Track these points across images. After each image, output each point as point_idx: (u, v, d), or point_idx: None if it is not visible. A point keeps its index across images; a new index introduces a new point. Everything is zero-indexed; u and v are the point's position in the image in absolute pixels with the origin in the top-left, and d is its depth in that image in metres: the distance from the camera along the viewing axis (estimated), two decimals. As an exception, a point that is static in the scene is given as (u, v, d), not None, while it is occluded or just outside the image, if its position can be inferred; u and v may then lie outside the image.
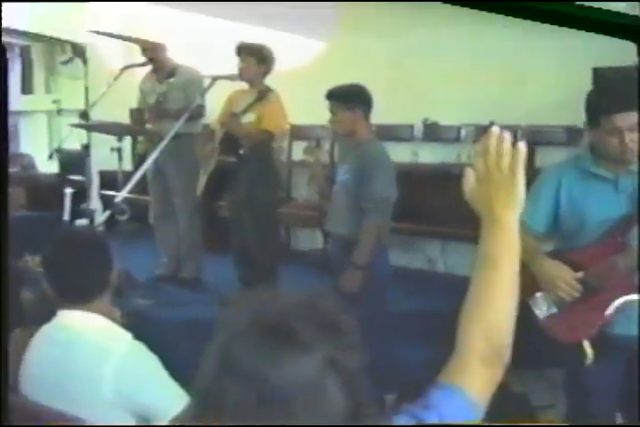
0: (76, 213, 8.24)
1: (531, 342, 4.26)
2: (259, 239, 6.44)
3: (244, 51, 6.44)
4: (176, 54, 7.38)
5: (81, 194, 8.33)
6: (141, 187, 7.25)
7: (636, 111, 3.51)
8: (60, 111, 11.01)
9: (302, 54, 8.88)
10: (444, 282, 7.09)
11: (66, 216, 8.29)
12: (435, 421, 1.67)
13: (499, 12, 3.19)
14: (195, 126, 6.84)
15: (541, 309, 3.80)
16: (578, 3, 2.72)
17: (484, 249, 1.86)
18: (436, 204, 7.40)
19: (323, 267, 6.84)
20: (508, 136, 1.82)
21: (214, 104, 6.96)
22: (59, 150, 8.69)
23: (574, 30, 6.40)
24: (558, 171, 3.89)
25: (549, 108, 7.05)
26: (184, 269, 7.31)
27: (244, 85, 6.66)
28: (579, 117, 6.46)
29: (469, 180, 1.86)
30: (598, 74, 6.29)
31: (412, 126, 8.21)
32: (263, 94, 6.42)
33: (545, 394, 5.43)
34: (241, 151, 6.31)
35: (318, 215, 7.10)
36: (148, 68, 7.40)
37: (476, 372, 1.77)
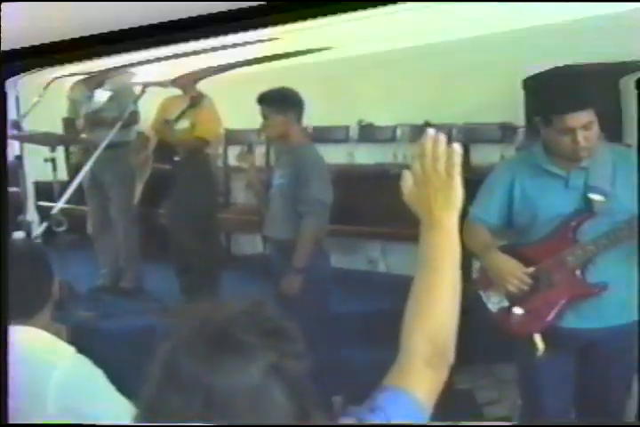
0: (10, 226, 8.13)
1: (480, 338, 4.32)
2: (198, 246, 6.41)
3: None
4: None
5: (17, 206, 8.22)
6: (78, 197, 7.20)
7: (588, 110, 3.57)
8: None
9: (235, 58, 8.84)
10: (386, 282, 7.09)
11: (0, 229, 8.16)
12: (382, 423, 1.67)
13: None
14: (129, 134, 6.81)
15: (493, 302, 3.85)
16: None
17: (424, 251, 1.86)
18: (375, 204, 7.40)
19: (264, 272, 6.80)
20: (443, 138, 1.81)
21: (148, 111, 6.92)
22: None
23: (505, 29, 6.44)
24: (512, 167, 3.97)
25: (483, 106, 7.09)
26: (124, 278, 7.25)
27: (177, 92, 6.62)
28: (512, 115, 6.61)
29: (407, 182, 1.86)
30: (548, 74, 6.33)
31: (347, 127, 8.21)
32: (196, 101, 6.40)
33: (492, 390, 5.47)
34: (176, 158, 6.27)
35: (258, 220, 7.07)
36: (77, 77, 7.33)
37: (421, 373, 1.77)
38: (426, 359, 1.78)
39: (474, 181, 3.89)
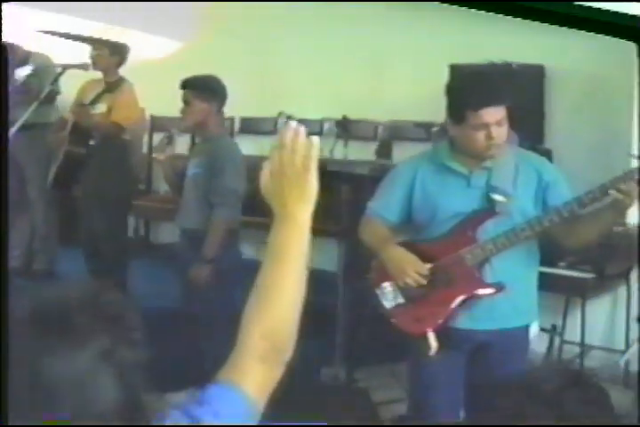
0: None
1: (379, 337, 4.28)
2: (107, 232, 6.33)
3: (97, 41, 6.31)
4: (29, 41, 7.22)
5: None
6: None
7: (502, 106, 3.58)
8: None
9: (165, 46, 8.78)
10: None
11: None
12: (208, 416, 1.63)
13: (497, 12, 3.21)
14: (47, 115, 6.71)
15: (388, 298, 3.82)
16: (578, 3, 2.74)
17: (272, 243, 1.82)
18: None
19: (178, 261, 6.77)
20: (302, 130, 1.78)
21: (70, 94, 6.82)
22: None
23: (431, 27, 6.50)
24: (414, 163, 3.94)
25: (408, 103, 7.08)
26: (37, 261, 7.16)
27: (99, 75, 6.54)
28: (437, 113, 6.60)
29: (264, 173, 1.82)
30: (455, 70, 6.33)
31: (275, 120, 8.15)
32: (114, 85, 6.32)
33: (392, 389, 5.47)
34: (91, 142, 6.17)
35: (177, 208, 7.01)
36: None
37: (254, 369, 1.73)
38: (259, 355, 1.74)
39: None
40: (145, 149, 8.31)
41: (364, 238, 3.95)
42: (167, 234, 8.58)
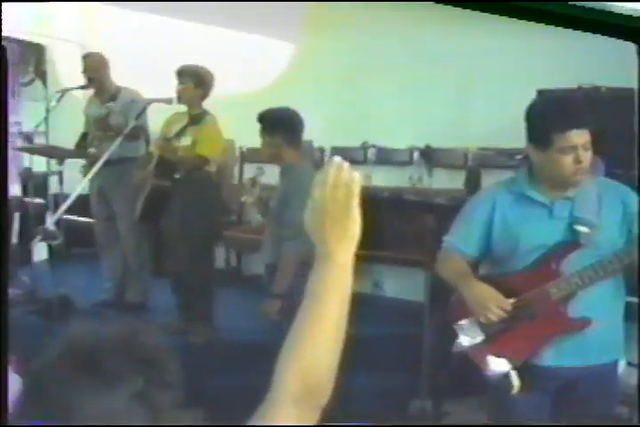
0: (29, 235, 8.14)
1: (466, 369, 4.19)
2: (193, 265, 6.34)
3: (184, 73, 6.36)
4: (120, 76, 7.35)
5: (34, 217, 8.24)
6: (85, 210, 7.21)
7: (587, 130, 3.48)
8: (20, 133, 10.93)
9: (259, 77, 8.85)
10: (390, 306, 7.00)
11: (14, 239, 8.21)
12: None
13: (493, 13, 3.16)
14: (135, 150, 6.82)
15: (467, 335, 3.72)
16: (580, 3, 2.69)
17: (312, 282, 1.78)
18: (384, 228, 7.31)
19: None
20: (346, 166, 1.72)
21: (155, 127, 6.92)
22: (20, 173, 8.62)
23: (517, 52, 6.41)
24: (492, 194, 3.83)
25: (498, 131, 6.99)
26: (129, 293, 7.22)
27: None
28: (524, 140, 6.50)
29: (307, 210, 1.78)
30: (543, 95, 6.23)
31: (365, 149, 8.13)
32: (198, 118, 6.35)
33: (479, 422, 5.36)
34: (176, 175, 6.21)
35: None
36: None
37: (287, 412, 1.68)
38: (294, 398, 1.69)
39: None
40: (235, 181, 8.33)
41: (442, 274, 3.85)
42: (258, 265, 8.61)
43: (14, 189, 10.04)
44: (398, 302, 7.13)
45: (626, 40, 2.96)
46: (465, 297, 3.67)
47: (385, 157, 8.05)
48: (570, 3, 2.84)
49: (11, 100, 12.52)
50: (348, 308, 1.77)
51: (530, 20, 3.02)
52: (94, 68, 7.14)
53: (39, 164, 8.13)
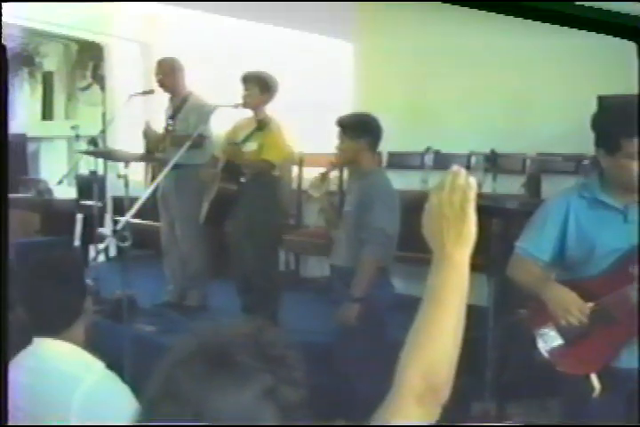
0: (88, 238, 8.28)
1: (530, 371, 4.22)
2: (259, 267, 6.44)
3: (249, 79, 6.46)
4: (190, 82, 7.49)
5: (97, 219, 8.36)
6: (155, 213, 7.33)
7: None
8: (77, 137, 11.07)
9: (318, 83, 8.94)
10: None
11: (76, 241, 8.34)
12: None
13: (498, 12, 3.21)
14: (200, 156, 6.87)
15: (547, 341, 3.75)
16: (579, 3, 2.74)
17: (431, 284, 1.85)
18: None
19: (329, 296, 6.82)
20: (463, 172, 1.81)
21: (220, 133, 7.03)
22: (76, 176, 8.74)
23: (580, 57, 6.40)
24: (565, 199, 3.84)
25: (556, 136, 7.02)
26: (189, 296, 7.31)
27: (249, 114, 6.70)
28: (586, 146, 6.51)
29: (425, 214, 1.86)
30: (603, 102, 6.26)
31: (422, 154, 8.18)
32: (263, 123, 6.43)
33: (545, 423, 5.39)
34: (242, 179, 6.31)
35: (327, 243, 7.08)
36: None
37: (410, 410, 1.74)
38: (417, 396, 1.75)
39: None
40: (294, 186, 8.41)
41: (516, 279, 3.85)
42: (317, 268, 8.69)
43: (70, 192, 10.24)
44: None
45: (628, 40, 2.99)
46: (546, 301, 3.68)
47: (442, 163, 8.07)
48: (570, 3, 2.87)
49: (69, 105, 12.77)
50: (465, 308, 1.84)
51: (528, 18, 3.03)
52: (167, 73, 7.25)
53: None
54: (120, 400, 2.88)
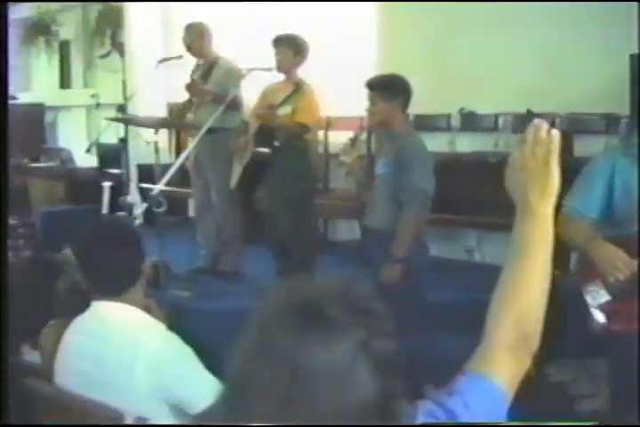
0: (114, 207, 8.31)
1: (571, 332, 4.23)
2: (294, 231, 6.46)
3: (282, 42, 6.46)
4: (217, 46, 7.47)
5: (119, 187, 8.38)
6: (182, 179, 7.34)
7: None
8: (97, 105, 11.08)
9: (342, 45, 8.90)
10: (481, 272, 7.01)
11: (104, 209, 8.37)
12: (459, 407, 1.69)
13: None
14: (232, 120, 6.86)
15: (595, 297, 3.76)
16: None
17: (517, 238, 1.87)
18: (474, 193, 7.35)
19: (360, 258, 6.82)
20: (545, 125, 1.82)
21: (248, 97, 7.03)
22: (96, 144, 8.76)
23: (612, 15, 6.33)
24: (610, 158, 3.88)
25: (587, 95, 6.98)
26: (223, 261, 7.31)
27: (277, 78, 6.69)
28: (617, 105, 6.48)
29: (509, 168, 1.87)
30: (635, 60, 6.22)
31: (448, 116, 8.14)
32: (296, 87, 6.44)
33: (585, 384, 5.39)
34: (276, 143, 6.32)
35: (356, 207, 7.08)
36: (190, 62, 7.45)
37: (503, 359, 1.78)
38: (509, 345, 1.79)
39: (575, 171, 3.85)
40: (321, 149, 8.39)
41: (564, 237, 3.88)
42: (345, 231, 8.71)
43: (90, 161, 10.25)
44: (489, 268, 7.15)
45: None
46: (594, 258, 3.71)
47: (470, 124, 8.05)
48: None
49: (87, 73, 12.74)
50: (551, 259, 1.86)
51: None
52: (195, 38, 7.23)
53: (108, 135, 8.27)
54: (184, 361, 2.91)
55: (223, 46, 7.66)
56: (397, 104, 5.12)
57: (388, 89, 5.12)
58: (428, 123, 8.04)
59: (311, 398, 1.47)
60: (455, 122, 8.15)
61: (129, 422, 2.73)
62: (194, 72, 7.38)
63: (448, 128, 8.16)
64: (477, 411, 1.71)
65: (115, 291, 3.02)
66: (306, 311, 1.51)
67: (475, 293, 6.20)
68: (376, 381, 1.50)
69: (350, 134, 5.54)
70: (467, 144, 8.05)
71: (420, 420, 1.64)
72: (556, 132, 1.81)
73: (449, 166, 7.09)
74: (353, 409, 1.48)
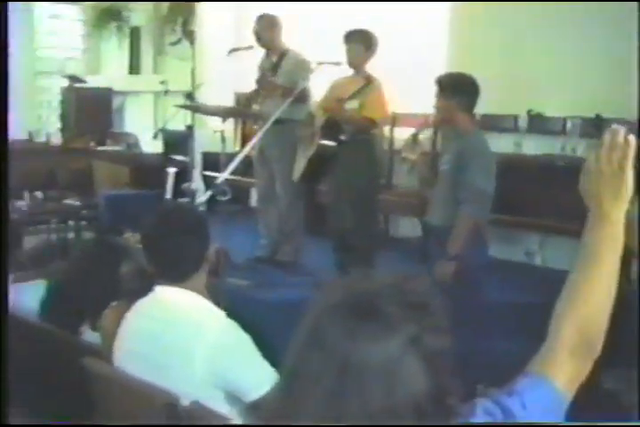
0: (177, 193, 8.37)
1: (629, 341, 4.20)
2: (357, 226, 6.46)
3: (354, 37, 6.46)
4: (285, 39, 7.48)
5: (183, 174, 8.43)
6: (246, 169, 7.37)
7: None
8: (166, 92, 11.15)
9: (415, 43, 8.88)
10: (541, 276, 6.98)
11: (168, 195, 8.43)
12: (517, 407, 1.69)
13: None
14: (298, 112, 6.86)
15: None
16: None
17: (588, 242, 1.87)
18: (539, 196, 7.31)
19: (420, 255, 6.81)
20: (622, 130, 1.82)
21: (315, 90, 7.05)
22: (163, 130, 8.81)
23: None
24: None
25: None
26: (282, 252, 7.35)
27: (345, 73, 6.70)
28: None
29: (583, 173, 1.88)
30: None
31: (516, 117, 8.10)
32: (366, 81, 6.44)
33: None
34: (342, 137, 6.31)
35: (417, 204, 7.07)
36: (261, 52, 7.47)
37: (565, 363, 1.77)
38: (572, 349, 1.78)
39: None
40: (386, 145, 8.38)
41: (629, 242, 3.85)
42: (407, 228, 8.69)
43: (155, 146, 10.33)
44: (549, 272, 7.11)
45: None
46: None
47: (537, 126, 8.00)
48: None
49: (157, 59, 12.83)
50: (619, 264, 1.85)
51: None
52: (265, 28, 7.26)
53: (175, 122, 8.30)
54: (243, 349, 2.92)
55: (292, 39, 7.68)
56: (461, 102, 5.09)
57: (454, 87, 5.11)
58: (495, 123, 8.01)
59: (362, 392, 1.47)
60: (523, 123, 8.10)
61: (184, 405, 2.75)
62: (262, 63, 7.41)
63: (515, 129, 8.12)
64: (535, 413, 1.70)
65: (179, 277, 3.04)
66: (359, 307, 1.52)
67: (533, 296, 6.19)
68: (429, 377, 1.49)
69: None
70: (533, 146, 8.00)
71: (478, 417, 1.64)
72: (633, 138, 1.81)
73: (514, 168, 7.06)
74: (407, 405, 1.48)
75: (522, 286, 6.85)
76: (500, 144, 7.48)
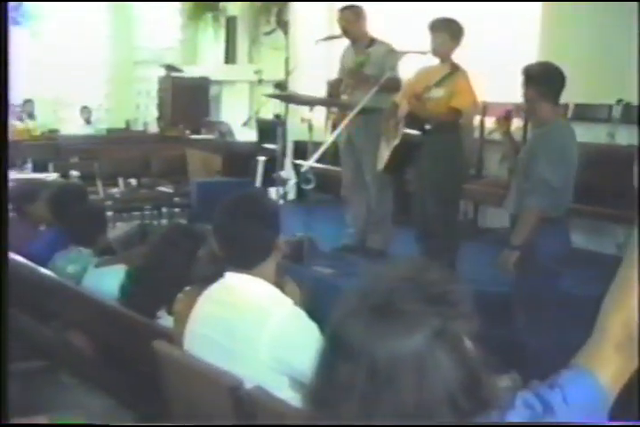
0: (268, 181, 8.43)
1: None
2: (440, 215, 6.43)
3: (439, 26, 6.41)
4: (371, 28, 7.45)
5: (274, 162, 8.49)
6: (335, 158, 7.39)
7: None
8: (260, 81, 11.25)
9: (501, 30, 8.81)
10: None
11: (257, 183, 8.50)
12: (558, 400, 1.66)
13: None
14: (386, 101, 6.81)
15: None
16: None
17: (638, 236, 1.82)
18: (632, 188, 7.18)
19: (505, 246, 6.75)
20: None
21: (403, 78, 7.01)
22: (256, 119, 8.87)
23: None
24: None
25: None
26: (371, 240, 7.33)
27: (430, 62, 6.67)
28: None
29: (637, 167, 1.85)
30: None
31: (610, 107, 7.95)
32: (451, 71, 6.39)
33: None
34: (427, 126, 6.28)
35: (505, 194, 7.00)
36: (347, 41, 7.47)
37: (610, 357, 1.72)
38: (618, 343, 1.73)
39: None
40: (475, 135, 8.32)
41: None
42: (495, 218, 8.61)
43: (249, 135, 10.41)
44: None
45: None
46: None
47: (630, 116, 7.84)
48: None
49: (252, 49, 12.94)
50: None
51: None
52: (350, 20, 7.26)
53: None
54: (309, 337, 2.93)
55: (376, 27, 7.66)
56: (544, 92, 5.04)
57: (536, 76, 5.06)
58: (588, 113, 7.88)
59: (394, 391, 1.48)
60: (616, 113, 7.95)
61: (247, 388, 2.78)
62: (347, 51, 7.41)
63: (609, 119, 7.97)
64: (576, 407, 1.66)
65: (247, 264, 3.07)
66: (378, 308, 1.53)
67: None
68: (459, 369, 1.50)
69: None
70: (626, 136, 7.85)
71: (516, 410, 1.62)
72: None
73: (606, 158, 6.95)
74: (441, 400, 1.49)
75: (610, 279, 6.72)
76: (593, 134, 7.36)
